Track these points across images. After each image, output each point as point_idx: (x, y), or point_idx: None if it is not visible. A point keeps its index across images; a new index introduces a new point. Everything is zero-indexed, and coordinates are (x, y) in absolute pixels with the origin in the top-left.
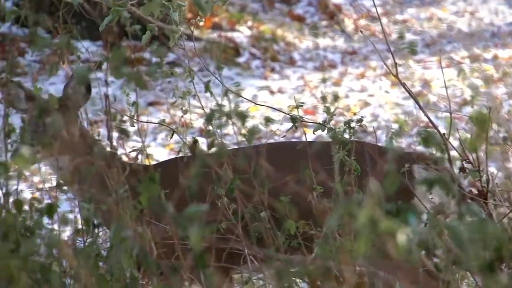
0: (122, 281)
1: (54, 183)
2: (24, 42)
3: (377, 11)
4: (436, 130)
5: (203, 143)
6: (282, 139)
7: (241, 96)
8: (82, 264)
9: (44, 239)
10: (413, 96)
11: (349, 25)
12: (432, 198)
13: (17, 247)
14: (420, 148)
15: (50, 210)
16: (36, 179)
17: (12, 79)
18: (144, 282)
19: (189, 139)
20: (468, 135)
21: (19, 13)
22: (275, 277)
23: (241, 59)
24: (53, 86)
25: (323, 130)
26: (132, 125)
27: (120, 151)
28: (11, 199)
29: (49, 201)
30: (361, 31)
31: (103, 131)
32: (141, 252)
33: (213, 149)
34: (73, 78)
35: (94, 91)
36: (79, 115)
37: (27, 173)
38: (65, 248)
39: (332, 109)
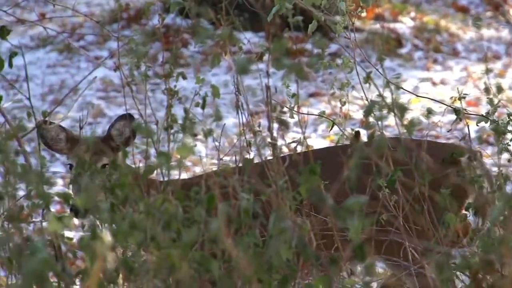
0: (281, 272)
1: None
2: (188, 33)
3: None
4: None
5: (363, 134)
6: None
7: (402, 88)
8: (241, 254)
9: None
10: None
11: None
12: None
13: (178, 237)
14: None
15: (211, 200)
16: (197, 169)
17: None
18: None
19: (349, 130)
20: None
21: (183, 4)
22: (435, 270)
23: (403, 50)
24: (216, 77)
25: (486, 122)
26: (292, 117)
27: (280, 142)
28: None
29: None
30: None
31: (263, 122)
32: (300, 243)
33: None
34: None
35: (255, 82)
36: None
37: (188, 163)
38: (225, 238)
39: (495, 101)
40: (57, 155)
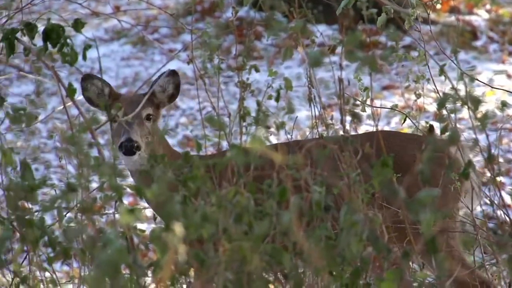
0: (353, 264)
1: None
2: (261, 26)
3: None
4: None
5: (437, 127)
6: None
7: (477, 80)
8: (313, 247)
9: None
10: None
11: None
12: None
13: (250, 229)
14: None
15: (283, 193)
16: None
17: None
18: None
19: (422, 123)
20: None
21: None
22: (508, 263)
23: (478, 43)
24: (288, 70)
25: None
26: (365, 110)
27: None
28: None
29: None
30: None
31: (336, 114)
32: (371, 236)
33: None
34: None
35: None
36: None
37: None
38: (297, 230)
39: None
40: None
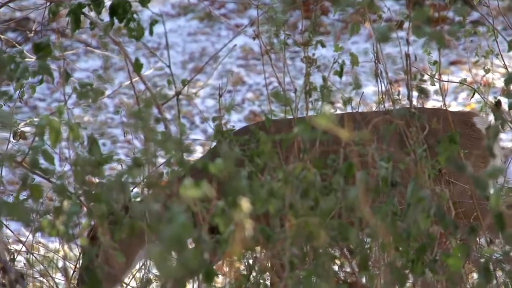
0: (419, 241)
1: None
2: (328, 1)
3: None
4: None
5: (504, 103)
6: None
7: None
8: (379, 223)
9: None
10: None
11: None
12: None
13: (316, 205)
14: None
15: (349, 168)
16: None
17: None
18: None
19: (490, 99)
20: None
21: None
22: None
23: None
24: (355, 45)
25: None
26: (433, 84)
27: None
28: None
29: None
30: None
31: (403, 90)
32: (438, 212)
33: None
34: None
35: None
36: None
37: None
38: (363, 206)
39: None
40: (197, 122)
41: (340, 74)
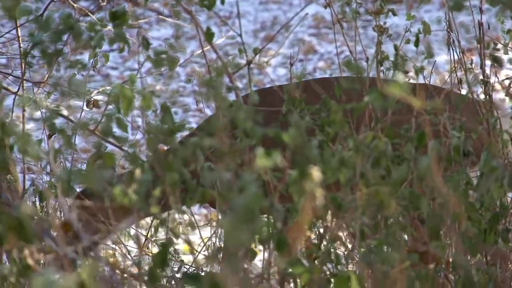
0: (492, 210)
1: None
2: None
3: None
4: None
5: None
6: None
7: None
8: (451, 192)
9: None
10: None
11: None
12: None
13: (388, 174)
14: None
15: (421, 138)
16: None
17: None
18: None
19: None
20: None
21: None
22: None
23: None
24: (428, 14)
25: None
26: (506, 53)
27: (492, 80)
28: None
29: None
30: None
31: (476, 59)
32: (511, 182)
33: None
34: None
35: (468, 18)
36: None
37: None
38: (435, 175)
39: None
40: None
41: (416, 43)
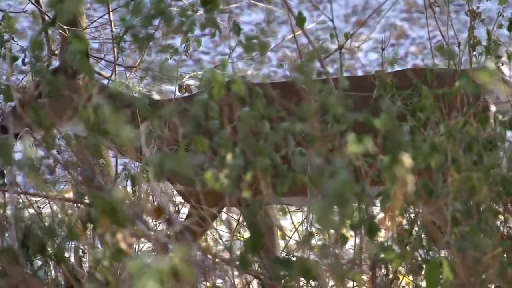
0: None
1: None
2: None
3: None
4: None
5: None
6: None
7: None
8: None
9: (507, 152)
10: None
11: None
12: None
13: (480, 159)
14: None
15: None
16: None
17: None
18: None
19: None
20: None
21: None
22: None
23: None
24: None
25: None
26: None
27: None
28: None
29: None
30: None
31: None
32: None
33: None
34: None
35: None
36: None
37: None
38: None
39: None
40: None
41: (509, 28)
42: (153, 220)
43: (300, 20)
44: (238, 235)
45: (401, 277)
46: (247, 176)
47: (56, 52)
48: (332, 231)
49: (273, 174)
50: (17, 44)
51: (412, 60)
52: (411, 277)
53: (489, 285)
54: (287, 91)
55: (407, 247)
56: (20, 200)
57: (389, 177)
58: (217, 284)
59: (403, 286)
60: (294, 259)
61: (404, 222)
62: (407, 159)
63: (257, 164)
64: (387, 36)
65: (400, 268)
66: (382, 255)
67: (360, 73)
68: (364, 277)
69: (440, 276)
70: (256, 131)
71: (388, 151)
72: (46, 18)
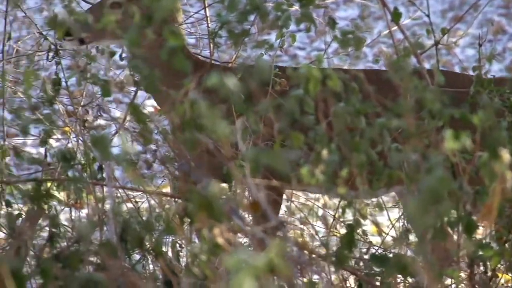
0: None
1: None
2: None
3: None
4: None
5: None
6: None
7: None
8: None
9: None
10: None
11: None
12: None
13: None
14: None
15: None
16: None
17: None
18: None
19: None
20: None
21: None
22: None
23: None
24: None
25: None
26: None
27: None
28: None
29: None
30: None
31: None
32: None
33: None
34: None
35: None
36: None
37: None
38: None
39: None
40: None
41: None
42: (249, 215)
43: (396, 16)
44: (335, 231)
45: (500, 274)
46: (342, 172)
47: None
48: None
49: (369, 170)
50: None
51: (510, 56)
52: (510, 275)
53: None
54: (380, 82)
55: (506, 245)
56: (118, 195)
57: (488, 174)
58: (313, 280)
59: (502, 284)
60: (390, 255)
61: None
62: (506, 155)
63: (352, 160)
64: (484, 32)
65: (499, 265)
66: (480, 253)
67: (457, 69)
68: (462, 275)
69: None
70: (351, 127)
71: (486, 147)
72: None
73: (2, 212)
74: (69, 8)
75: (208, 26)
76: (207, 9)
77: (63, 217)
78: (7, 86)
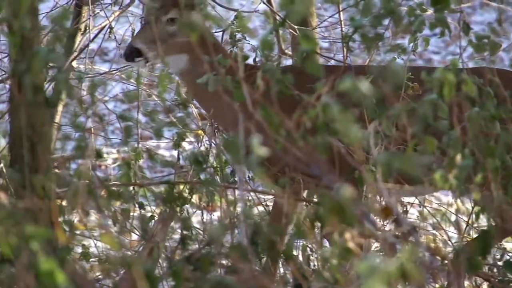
0: None
1: None
2: None
3: None
4: None
5: None
6: None
7: None
8: None
9: None
10: None
11: None
12: None
13: None
14: None
15: None
16: None
17: None
18: None
19: None
20: None
21: None
22: None
23: None
24: None
25: None
26: None
27: None
28: None
29: None
30: None
31: None
32: None
33: None
34: None
35: None
36: None
37: None
38: None
39: None
40: None
41: None
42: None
43: None
44: (467, 236)
45: None
46: (477, 178)
47: (287, 51)
48: None
49: (503, 175)
50: (248, 43)
51: None
52: None
53: None
54: None
55: None
56: (250, 198)
57: None
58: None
59: None
60: None
61: None
62: None
63: (487, 165)
64: None
65: None
66: None
67: None
68: None
69: None
70: (486, 132)
71: None
72: (277, 17)
73: (135, 214)
74: (204, 12)
75: (341, 30)
76: (341, 13)
77: (195, 220)
78: (142, 89)
